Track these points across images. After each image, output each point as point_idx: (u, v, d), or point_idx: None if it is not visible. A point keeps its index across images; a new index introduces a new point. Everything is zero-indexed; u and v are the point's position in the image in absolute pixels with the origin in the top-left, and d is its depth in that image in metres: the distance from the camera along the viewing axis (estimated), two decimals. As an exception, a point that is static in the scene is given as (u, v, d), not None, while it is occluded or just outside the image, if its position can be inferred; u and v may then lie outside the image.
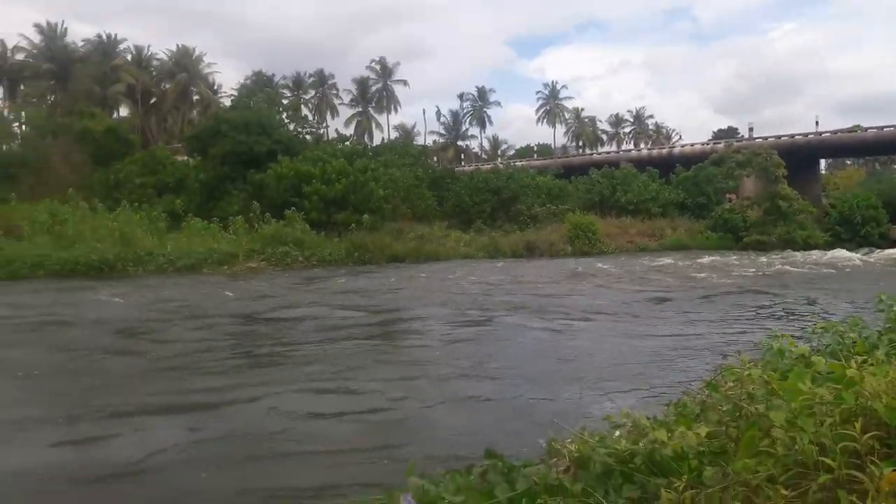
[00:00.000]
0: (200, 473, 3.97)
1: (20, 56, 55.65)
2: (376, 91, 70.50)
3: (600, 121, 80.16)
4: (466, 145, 77.67)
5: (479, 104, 75.23)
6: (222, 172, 32.06)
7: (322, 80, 68.83)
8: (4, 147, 42.28)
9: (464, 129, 75.89)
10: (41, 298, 12.95)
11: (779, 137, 38.67)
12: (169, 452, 4.42)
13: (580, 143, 76.47)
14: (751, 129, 45.61)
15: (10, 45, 55.49)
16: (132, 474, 4.03)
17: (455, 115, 74.93)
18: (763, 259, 22.73)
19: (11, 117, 50.55)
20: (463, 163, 64.16)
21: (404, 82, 71.76)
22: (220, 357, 7.48)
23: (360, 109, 70.04)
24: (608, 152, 56.93)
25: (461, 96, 75.48)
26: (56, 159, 38.61)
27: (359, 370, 6.54)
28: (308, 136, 38.83)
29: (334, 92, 69.96)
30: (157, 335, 9.03)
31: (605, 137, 79.99)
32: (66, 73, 53.77)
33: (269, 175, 29.82)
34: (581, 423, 2.25)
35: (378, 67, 69.98)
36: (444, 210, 35.27)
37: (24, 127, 46.89)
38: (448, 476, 2.11)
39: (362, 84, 69.64)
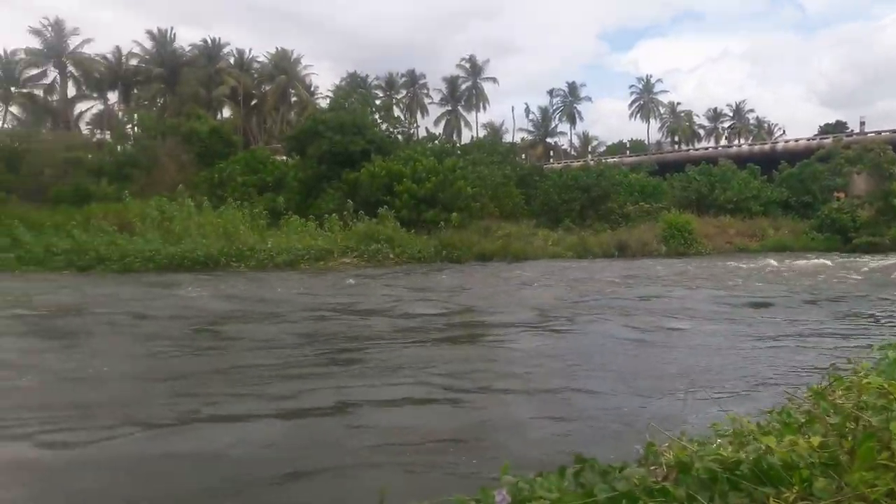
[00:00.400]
0: (285, 469, 4.13)
1: (133, 62, 59.40)
2: (466, 89, 70.84)
3: (697, 115, 77.15)
4: (555, 142, 76.76)
5: (569, 100, 74.12)
6: (319, 171, 33.14)
7: (413, 80, 69.84)
8: (119, 148, 45.26)
9: (553, 125, 75.00)
10: (146, 292, 13.84)
11: (894, 132, 36.04)
12: (255, 443, 4.62)
13: (675, 139, 73.94)
14: (862, 123, 42.74)
15: (124, 51, 59.28)
16: (215, 466, 4.24)
17: (544, 111, 74.17)
18: (874, 262, 21.28)
19: (125, 120, 54.14)
20: (552, 160, 63.47)
21: (493, 80, 71.74)
22: (313, 352, 7.75)
23: (450, 108, 70.61)
24: (706, 148, 54.83)
25: (551, 92, 74.61)
26: (165, 159, 41.07)
27: (445, 370, 6.61)
28: (399, 136, 39.53)
29: (425, 91, 70.83)
30: (256, 327, 9.46)
31: (702, 133, 76.93)
32: (175, 77, 57.03)
33: (362, 174, 30.62)
34: (679, 429, 2.21)
35: (468, 65, 70.29)
36: (531, 208, 35.03)
37: (136, 129, 50.02)
38: (542, 476, 2.11)
39: (452, 83, 70.17)
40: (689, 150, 56.04)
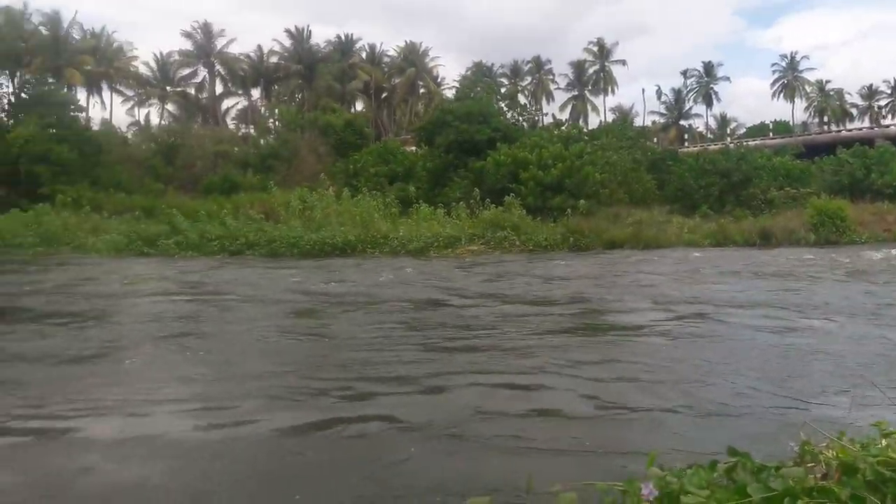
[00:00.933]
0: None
1: (273, 59, 63.05)
2: (593, 73, 69.19)
3: (849, 93, 70.74)
4: (690, 125, 73.28)
5: (704, 80, 70.39)
6: (446, 161, 33.74)
7: (538, 66, 69.13)
8: (262, 141, 48.32)
9: (687, 107, 71.62)
10: (293, 274, 14.77)
11: None
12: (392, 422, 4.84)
13: (824, 120, 68.26)
14: None
15: (265, 50, 63.03)
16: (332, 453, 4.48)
17: (677, 93, 70.98)
18: None
19: (267, 114, 57.66)
20: (686, 143, 60.63)
21: (622, 62, 69.67)
22: (448, 336, 7.98)
23: (576, 93, 69.27)
24: (860, 128, 50.14)
25: (685, 73, 71.24)
26: (304, 151, 43.40)
27: (575, 363, 6.59)
28: (525, 123, 39.37)
29: (550, 77, 69.94)
30: (396, 309, 9.86)
31: (854, 112, 70.52)
32: (311, 73, 59.95)
33: (488, 162, 30.84)
34: (837, 429, 2.13)
35: (595, 49, 68.59)
36: (664, 194, 33.72)
37: (276, 123, 53.08)
38: (690, 470, 2.08)
39: (578, 67, 68.74)
40: (839, 130, 51.55)
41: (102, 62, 55.64)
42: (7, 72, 43.57)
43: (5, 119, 40.80)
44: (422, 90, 64.18)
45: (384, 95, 64.52)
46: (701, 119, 73.17)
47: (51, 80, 46.34)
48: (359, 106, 63.57)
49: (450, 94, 55.22)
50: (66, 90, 48.20)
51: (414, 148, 41.53)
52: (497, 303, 10.58)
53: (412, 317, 9.48)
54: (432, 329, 8.40)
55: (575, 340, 7.69)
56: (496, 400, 5.26)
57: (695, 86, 70.47)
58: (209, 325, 8.77)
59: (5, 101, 42.37)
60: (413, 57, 63.22)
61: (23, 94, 42.74)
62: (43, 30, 52.96)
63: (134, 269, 16.48)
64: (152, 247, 20.72)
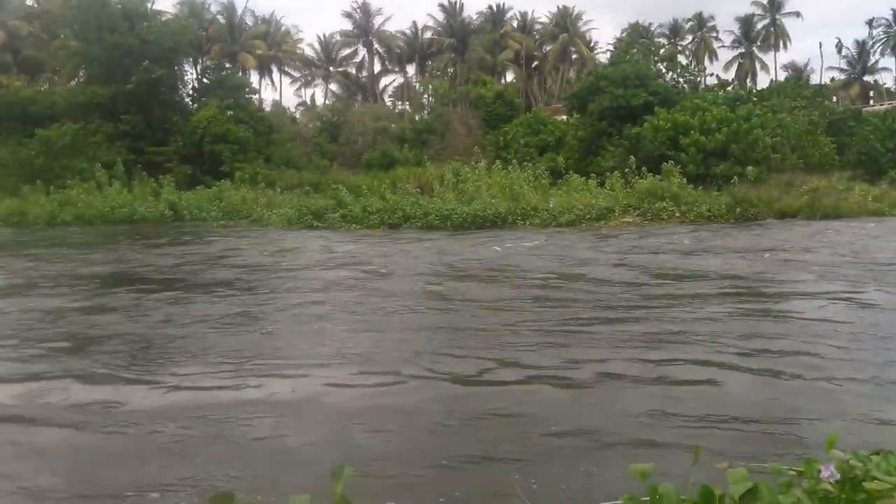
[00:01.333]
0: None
1: (427, 35, 64.35)
2: (762, 28, 63.87)
3: None
4: (875, 80, 65.52)
5: (893, 30, 62.49)
6: (600, 128, 32.92)
7: (700, 24, 64.89)
8: (417, 117, 49.76)
9: (872, 61, 64.04)
10: (445, 244, 15.23)
11: None
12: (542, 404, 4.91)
13: None
14: None
15: (419, 26, 64.46)
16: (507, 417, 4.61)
17: (861, 45, 63.60)
18: None
19: (422, 90, 59.17)
20: (871, 102, 54.40)
21: (796, 14, 63.54)
22: (609, 309, 7.91)
23: (743, 50, 64.27)
24: None
25: (870, 22, 63.54)
26: (456, 125, 44.22)
27: (743, 338, 6.31)
28: (686, 85, 37.32)
29: (713, 35, 65.46)
30: (559, 284, 9.91)
31: None
32: (463, 46, 60.52)
33: (645, 128, 29.69)
34: None
35: (765, 1, 63.05)
36: (845, 159, 30.70)
37: (430, 98, 54.35)
38: (877, 456, 1.99)
39: (746, 22, 63.63)
40: None
41: (272, 46, 59.78)
42: (191, 59, 48.15)
43: (190, 103, 45.17)
44: (574, 56, 62.63)
45: (535, 64, 63.79)
46: (889, 74, 65.48)
47: (228, 66, 50.61)
48: (509, 76, 63.38)
49: (603, 58, 53.51)
50: (240, 74, 52.39)
51: (564, 117, 40.86)
52: (656, 276, 10.29)
53: (571, 295, 9.48)
54: (612, 306, 8.37)
55: (737, 321, 7.34)
56: (657, 382, 5.20)
57: (882, 36, 62.72)
58: (375, 297, 9.32)
59: (190, 86, 46.91)
60: (565, 22, 61.74)
61: (204, 80, 47.05)
62: (220, 18, 57.84)
63: (313, 242, 17.81)
64: (320, 220, 22.19)
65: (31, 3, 53.82)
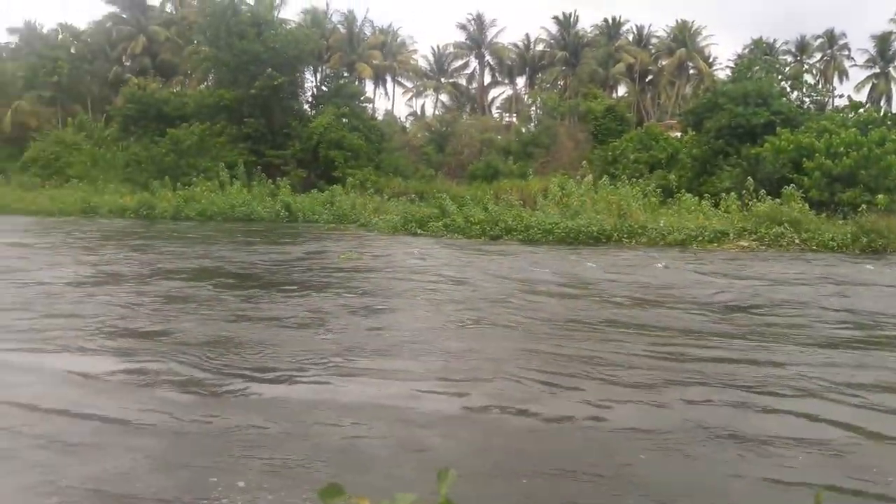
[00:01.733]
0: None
1: (540, 47, 64.14)
2: (903, 45, 59.17)
3: None
4: None
5: None
6: (716, 147, 31.66)
7: (831, 41, 61.02)
8: (524, 129, 49.69)
9: None
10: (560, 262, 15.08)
11: None
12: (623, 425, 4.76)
13: None
14: None
15: (532, 38, 64.39)
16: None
17: None
18: None
19: (530, 102, 59.06)
20: None
21: (943, 32, 58.37)
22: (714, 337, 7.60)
23: (878, 70, 59.81)
24: None
25: None
26: (563, 138, 43.80)
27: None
28: (812, 106, 35.25)
29: (845, 53, 61.35)
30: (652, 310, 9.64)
31: None
32: (576, 59, 59.89)
33: (765, 149, 28.30)
34: None
35: (907, 17, 58.42)
36: None
37: (538, 111, 54.13)
38: None
39: (882, 40, 59.15)
40: None
41: (388, 56, 61.47)
42: (311, 67, 50.33)
43: (308, 110, 47.19)
44: (691, 71, 60.53)
45: (649, 78, 62.14)
46: None
47: (345, 74, 52.51)
48: (621, 91, 62.10)
49: (722, 74, 51.42)
50: (357, 83, 54.25)
51: (678, 134, 39.57)
52: (780, 310, 9.77)
53: (680, 317, 9.18)
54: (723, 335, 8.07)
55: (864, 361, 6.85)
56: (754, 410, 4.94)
57: None
58: (472, 306, 9.39)
59: (309, 93, 49.01)
60: (683, 36, 59.80)
61: (323, 87, 49.04)
62: (341, 28, 60.12)
63: (412, 249, 18.19)
64: (423, 228, 22.58)
65: (170, 10, 58.18)
